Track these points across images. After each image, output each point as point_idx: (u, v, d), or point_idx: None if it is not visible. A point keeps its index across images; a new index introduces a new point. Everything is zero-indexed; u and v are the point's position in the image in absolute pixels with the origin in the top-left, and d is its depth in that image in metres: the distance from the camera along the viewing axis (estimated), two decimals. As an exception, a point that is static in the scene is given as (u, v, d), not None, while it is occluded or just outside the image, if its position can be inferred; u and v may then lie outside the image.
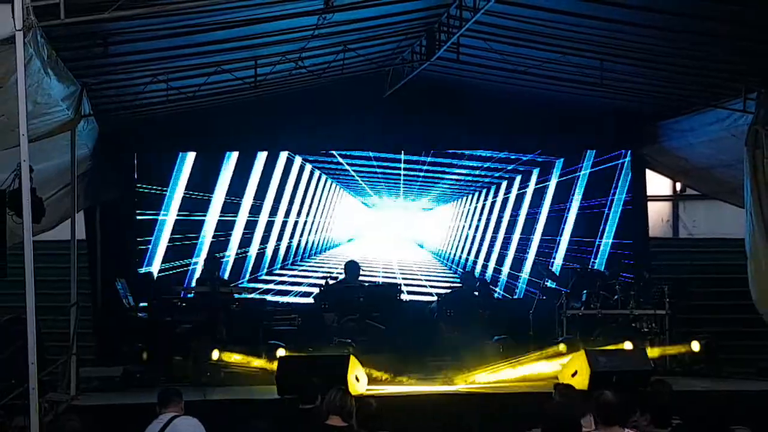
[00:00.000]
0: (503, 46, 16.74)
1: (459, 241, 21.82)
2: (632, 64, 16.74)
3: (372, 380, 15.19)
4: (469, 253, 21.74)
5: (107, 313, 18.53)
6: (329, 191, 21.47)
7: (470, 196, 21.67)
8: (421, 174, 21.15)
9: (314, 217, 21.43)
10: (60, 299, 15.89)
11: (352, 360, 14.51)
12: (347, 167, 20.99)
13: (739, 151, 16.91)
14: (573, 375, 14.65)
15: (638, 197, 21.58)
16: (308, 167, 21.06)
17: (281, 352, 16.06)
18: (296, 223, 21.19)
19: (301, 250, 21.40)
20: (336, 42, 16.20)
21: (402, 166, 21.02)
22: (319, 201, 21.48)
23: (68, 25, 10.77)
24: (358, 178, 21.06)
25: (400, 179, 21.09)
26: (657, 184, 22.85)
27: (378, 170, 21.05)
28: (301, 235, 21.34)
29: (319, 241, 21.68)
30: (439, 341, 17.90)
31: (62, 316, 15.18)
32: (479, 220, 21.65)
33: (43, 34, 10.88)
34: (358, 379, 14.41)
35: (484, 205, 21.59)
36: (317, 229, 21.55)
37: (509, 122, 20.35)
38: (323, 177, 21.30)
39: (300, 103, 19.37)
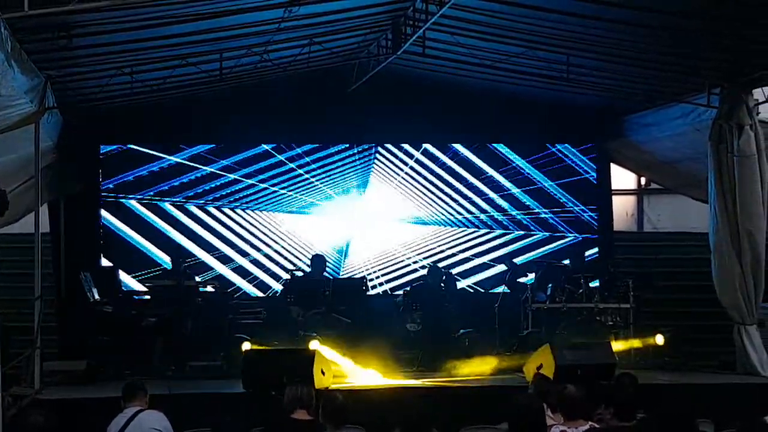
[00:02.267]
0: (469, 40, 16.75)
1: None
2: (598, 58, 16.79)
3: (337, 374, 15.19)
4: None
5: (71, 307, 18.42)
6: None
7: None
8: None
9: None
10: (24, 292, 15.79)
11: (318, 353, 14.49)
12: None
13: (702, 145, 17.01)
14: (538, 368, 14.67)
15: (603, 191, 21.64)
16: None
17: (246, 346, 16.09)
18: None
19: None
20: (302, 35, 16.17)
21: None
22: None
23: (32, 17, 10.72)
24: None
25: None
26: (622, 178, 22.93)
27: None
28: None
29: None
30: (404, 335, 17.89)
31: (26, 310, 15.09)
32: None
33: (6, 26, 10.81)
34: (324, 373, 14.39)
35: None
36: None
37: (474, 116, 20.36)
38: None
39: (265, 97, 19.34)
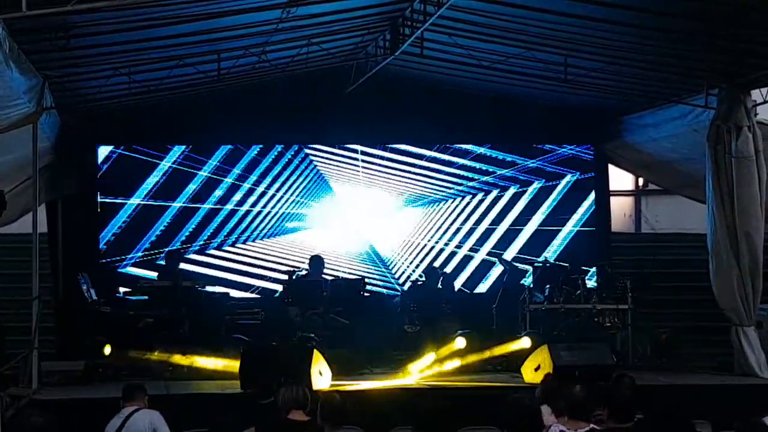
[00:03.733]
0: (467, 41, 16.75)
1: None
2: (596, 59, 16.78)
3: (335, 374, 15.18)
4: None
5: (69, 307, 18.41)
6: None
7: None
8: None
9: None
10: (22, 293, 15.79)
11: (316, 354, 14.49)
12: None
13: (700, 146, 17.01)
14: (536, 369, 14.69)
15: (600, 192, 21.64)
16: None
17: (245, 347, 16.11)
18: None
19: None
20: (299, 36, 16.17)
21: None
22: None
23: (30, 17, 10.71)
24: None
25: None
26: (620, 179, 22.92)
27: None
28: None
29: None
30: (402, 336, 17.89)
31: (24, 310, 15.09)
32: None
33: (4, 26, 10.82)
34: (322, 374, 14.39)
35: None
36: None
37: (472, 117, 20.39)
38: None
39: (263, 97, 19.34)
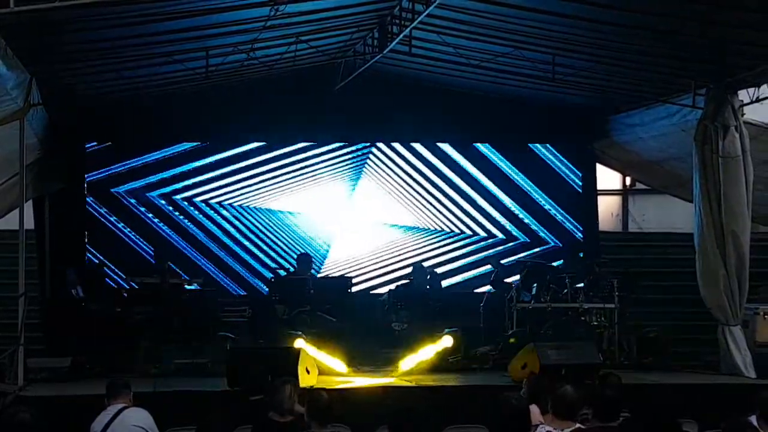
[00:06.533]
0: (456, 40, 16.77)
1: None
2: (584, 59, 16.81)
3: (322, 372, 15.19)
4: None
5: (56, 304, 18.37)
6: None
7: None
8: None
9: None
10: (8, 289, 15.75)
11: (303, 352, 14.48)
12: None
13: (688, 146, 17.04)
14: (523, 368, 14.69)
15: (588, 191, 21.67)
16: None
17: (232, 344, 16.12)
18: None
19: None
20: (288, 33, 16.17)
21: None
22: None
23: (18, 13, 10.69)
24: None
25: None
26: (607, 178, 22.95)
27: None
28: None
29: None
30: (389, 334, 17.90)
31: (11, 307, 15.05)
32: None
33: (-8, 22, 10.80)
34: (309, 371, 14.38)
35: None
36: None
37: (460, 115, 20.40)
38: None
39: (250, 95, 19.33)
